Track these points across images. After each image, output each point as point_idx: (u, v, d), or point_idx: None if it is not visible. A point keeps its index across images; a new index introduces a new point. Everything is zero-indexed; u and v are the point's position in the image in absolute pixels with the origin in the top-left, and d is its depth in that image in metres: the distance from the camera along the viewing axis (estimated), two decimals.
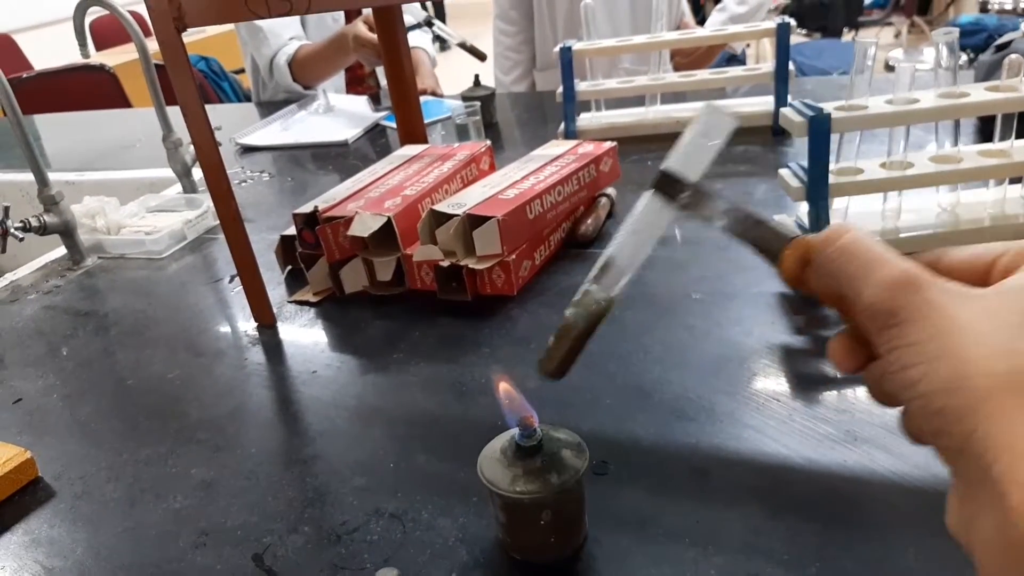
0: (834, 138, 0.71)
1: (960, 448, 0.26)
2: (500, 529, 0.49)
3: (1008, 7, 4.33)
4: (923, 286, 0.28)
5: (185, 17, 0.69)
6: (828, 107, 0.70)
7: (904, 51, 3.86)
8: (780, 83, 1.11)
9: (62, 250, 1.08)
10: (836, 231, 0.32)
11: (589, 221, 0.89)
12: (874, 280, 0.30)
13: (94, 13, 1.18)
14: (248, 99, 2.12)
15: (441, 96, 1.72)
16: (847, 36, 4.66)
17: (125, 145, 1.66)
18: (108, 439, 0.68)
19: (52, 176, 1.04)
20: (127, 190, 1.34)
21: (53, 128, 1.97)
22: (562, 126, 1.19)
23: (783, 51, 1.10)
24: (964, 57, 3.27)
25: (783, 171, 0.76)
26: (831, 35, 4.38)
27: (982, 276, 0.31)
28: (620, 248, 0.38)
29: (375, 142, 1.45)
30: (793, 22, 1.11)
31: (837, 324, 0.69)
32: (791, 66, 1.11)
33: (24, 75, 2.64)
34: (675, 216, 0.37)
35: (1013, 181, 0.77)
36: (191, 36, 2.42)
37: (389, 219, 0.79)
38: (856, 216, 0.77)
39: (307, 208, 0.84)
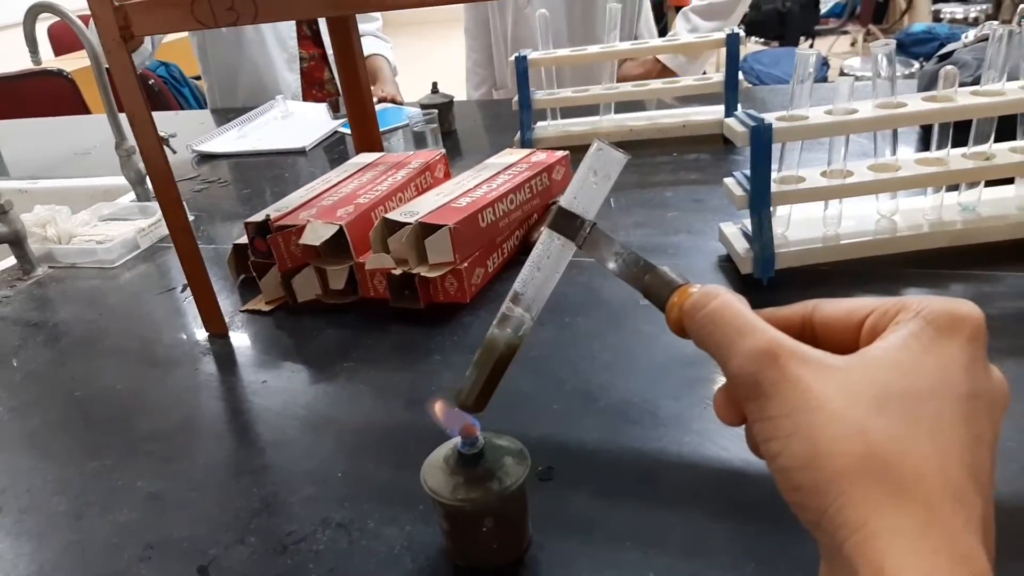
0: (777, 147, 0.73)
1: (816, 522, 0.27)
2: (444, 537, 0.49)
3: (959, 16, 4.44)
4: (783, 359, 0.28)
5: (132, 25, 0.69)
6: (769, 117, 0.72)
7: (860, 59, 3.94)
8: (730, 92, 1.13)
9: (12, 260, 1.06)
10: (704, 296, 0.32)
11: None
12: (738, 350, 0.30)
13: (50, 19, 1.17)
14: (207, 105, 2.10)
15: (401, 103, 1.72)
16: (804, 44, 4.74)
17: (81, 152, 1.64)
18: (55, 452, 0.68)
19: (5, 184, 1.03)
20: (81, 198, 1.32)
21: (8, 134, 1.93)
22: (518, 135, 1.20)
23: (732, 61, 1.12)
24: (915, 65, 3.35)
25: (728, 180, 0.77)
26: (789, 43, 4.46)
27: (853, 333, 0.31)
28: (524, 285, 0.40)
29: (333, 149, 1.44)
30: (743, 32, 1.13)
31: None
32: (741, 75, 1.14)
33: None
34: (572, 252, 0.38)
35: (950, 189, 0.79)
36: None
37: (341, 227, 0.79)
38: (798, 223, 0.79)
39: (259, 217, 0.83)
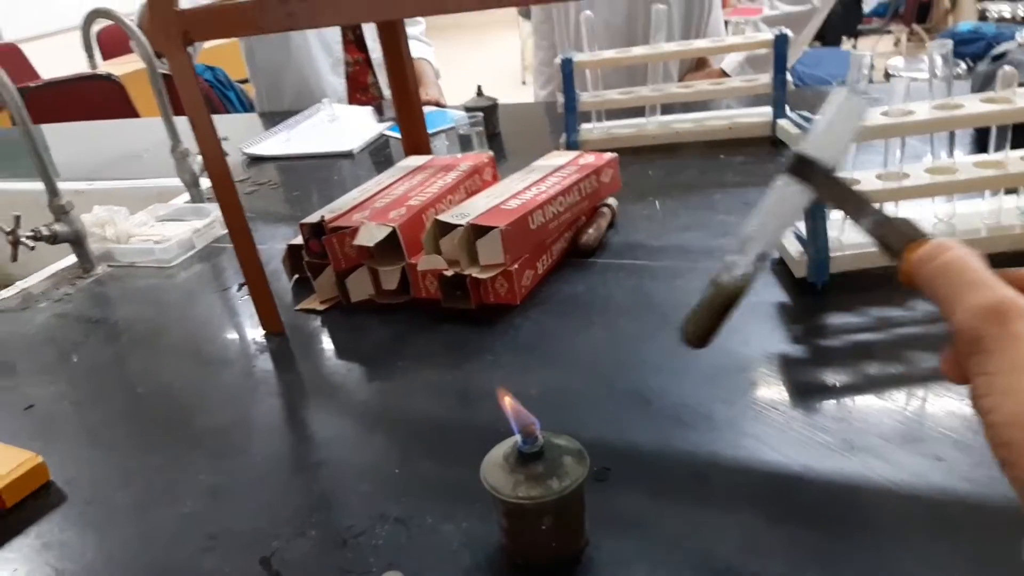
0: None
1: (1023, 480, 0.27)
2: (502, 534, 0.50)
3: (1007, 15, 4.35)
4: (1010, 317, 0.29)
5: (192, 32, 0.71)
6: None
7: (903, 59, 3.88)
8: (778, 94, 1.13)
9: (72, 258, 1.09)
10: (937, 248, 0.32)
11: (591, 231, 0.91)
12: (965, 305, 0.30)
13: (101, 23, 1.20)
14: (253, 109, 2.14)
15: (445, 107, 1.73)
16: (846, 44, 4.68)
17: (132, 155, 1.68)
18: (118, 445, 0.70)
19: (61, 185, 1.06)
20: (135, 199, 1.35)
21: (60, 137, 1.98)
22: (564, 137, 1.20)
23: (780, 62, 1.11)
24: (962, 65, 3.28)
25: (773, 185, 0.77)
26: (830, 44, 4.40)
27: None
28: (757, 228, 0.39)
29: (379, 152, 1.46)
30: (791, 33, 1.12)
31: (835, 334, 0.70)
32: (789, 77, 1.13)
33: (31, 84, 2.67)
34: (809, 200, 0.38)
35: (1009, 192, 0.78)
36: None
37: (394, 229, 0.81)
38: (853, 227, 0.78)
39: (314, 218, 0.85)
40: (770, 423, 0.59)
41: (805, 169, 0.37)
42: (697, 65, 1.68)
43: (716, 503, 0.53)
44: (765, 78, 1.16)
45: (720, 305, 0.40)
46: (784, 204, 0.39)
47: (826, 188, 0.37)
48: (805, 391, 0.63)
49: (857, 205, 0.36)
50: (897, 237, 0.34)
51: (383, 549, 0.53)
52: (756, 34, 1.22)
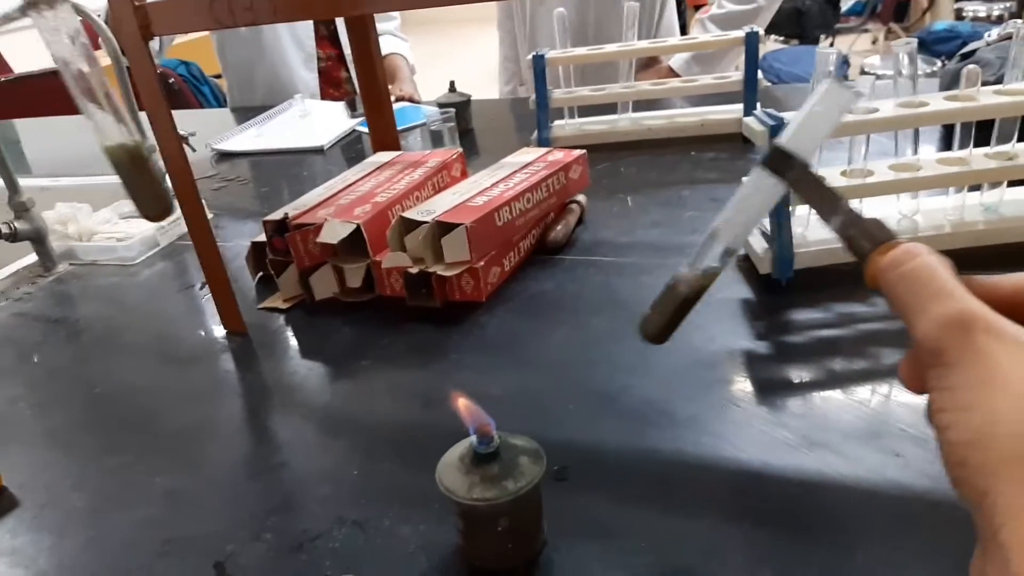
0: None
1: (976, 502, 0.26)
2: (459, 536, 0.49)
3: (982, 15, 4.39)
4: (975, 329, 0.27)
5: (152, 24, 0.69)
6: (788, 116, 0.71)
7: (880, 58, 3.90)
8: (749, 91, 1.13)
9: (33, 257, 1.07)
10: (905, 253, 0.31)
11: (559, 228, 0.90)
12: (929, 315, 0.29)
13: None
14: (227, 103, 2.12)
15: (419, 102, 1.72)
16: (824, 43, 4.70)
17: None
18: (75, 448, 0.68)
19: (26, 182, 1.04)
20: (102, 196, 1.33)
21: (32, 133, 1.95)
22: (535, 133, 1.20)
23: (752, 60, 1.11)
24: (938, 64, 3.31)
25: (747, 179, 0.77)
26: (808, 42, 4.42)
27: None
28: (726, 222, 0.38)
29: (351, 148, 1.45)
30: (762, 31, 1.12)
31: (799, 330, 0.70)
32: (760, 74, 1.13)
33: (2, 79, 2.62)
34: (781, 194, 0.37)
35: (972, 188, 0.78)
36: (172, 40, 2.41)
37: (358, 226, 0.80)
38: (818, 223, 0.78)
39: (277, 215, 0.84)
40: (732, 420, 0.59)
41: (782, 162, 0.36)
42: (647, 63, 1.69)
43: (677, 502, 0.53)
44: (737, 75, 1.16)
45: (682, 300, 0.39)
46: (756, 198, 0.38)
47: (801, 183, 0.36)
48: (768, 387, 0.63)
49: (830, 202, 0.35)
50: (866, 238, 0.33)
51: (340, 552, 0.52)
52: (725, 33, 1.21)
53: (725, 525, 0.50)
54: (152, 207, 0.42)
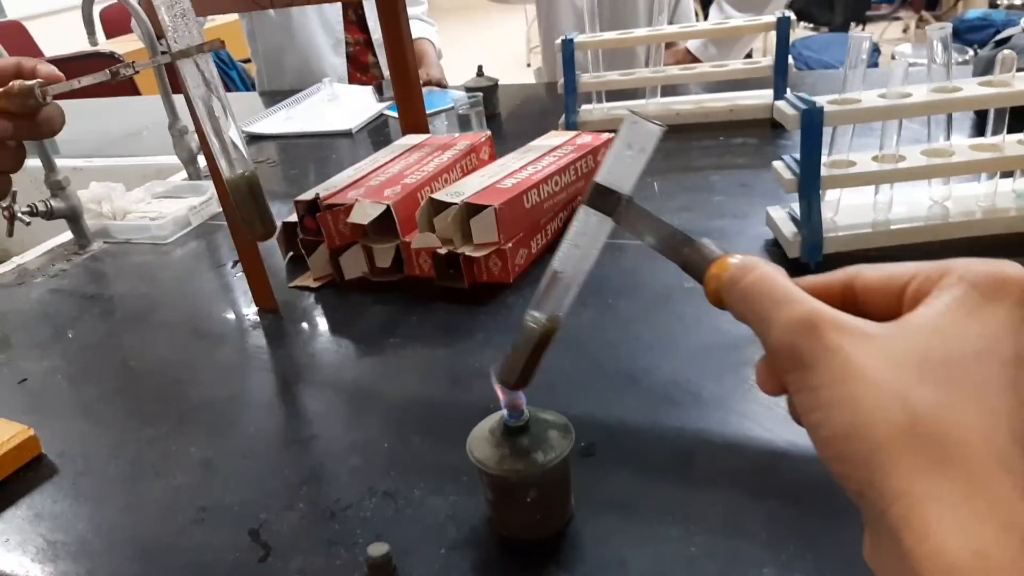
0: (827, 132, 0.72)
1: (860, 492, 0.27)
2: (488, 507, 0.50)
3: (1017, 2, 4.31)
4: (822, 328, 0.28)
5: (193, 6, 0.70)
6: (821, 100, 0.71)
7: (911, 46, 3.85)
8: (779, 77, 1.12)
9: (68, 235, 1.10)
10: (741, 269, 0.32)
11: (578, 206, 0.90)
12: (779, 321, 0.29)
13: (104, 2, 1.19)
14: (255, 88, 2.14)
15: (446, 87, 1.73)
16: (855, 30, 4.64)
17: (132, 132, 1.68)
18: (111, 419, 0.70)
19: (59, 162, 1.06)
20: (133, 177, 1.36)
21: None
22: (563, 118, 1.20)
23: (782, 45, 1.10)
24: (970, 52, 3.26)
25: (777, 163, 0.77)
26: (838, 29, 4.37)
27: (896, 300, 0.30)
28: (563, 263, 0.39)
29: (379, 132, 1.46)
30: (794, 16, 1.12)
31: None
32: (791, 60, 1.12)
33: None
34: (610, 229, 0.38)
35: (1004, 175, 0.78)
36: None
37: (388, 207, 0.81)
38: (848, 208, 0.78)
39: (308, 195, 0.85)
40: (757, 401, 0.59)
41: (602, 199, 0.37)
42: (665, 47, 1.69)
43: (702, 479, 0.53)
44: (767, 61, 1.15)
45: (538, 344, 0.40)
46: (586, 235, 0.39)
47: (626, 216, 0.37)
48: None
49: (658, 228, 0.36)
50: (699, 259, 0.34)
51: (371, 522, 0.53)
52: (760, 17, 1.21)
53: (751, 502, 0.50)
54: (260, 228, 0.47)
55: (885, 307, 0.30)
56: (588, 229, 0.39)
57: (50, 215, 1.04)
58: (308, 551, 0.51)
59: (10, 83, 0.52)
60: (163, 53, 0.50)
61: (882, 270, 0.31)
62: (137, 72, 0.54)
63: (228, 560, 0.52)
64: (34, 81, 0.52)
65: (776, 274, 0.31)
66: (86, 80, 0.53)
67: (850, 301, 0.31)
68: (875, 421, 0.26)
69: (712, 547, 0.47)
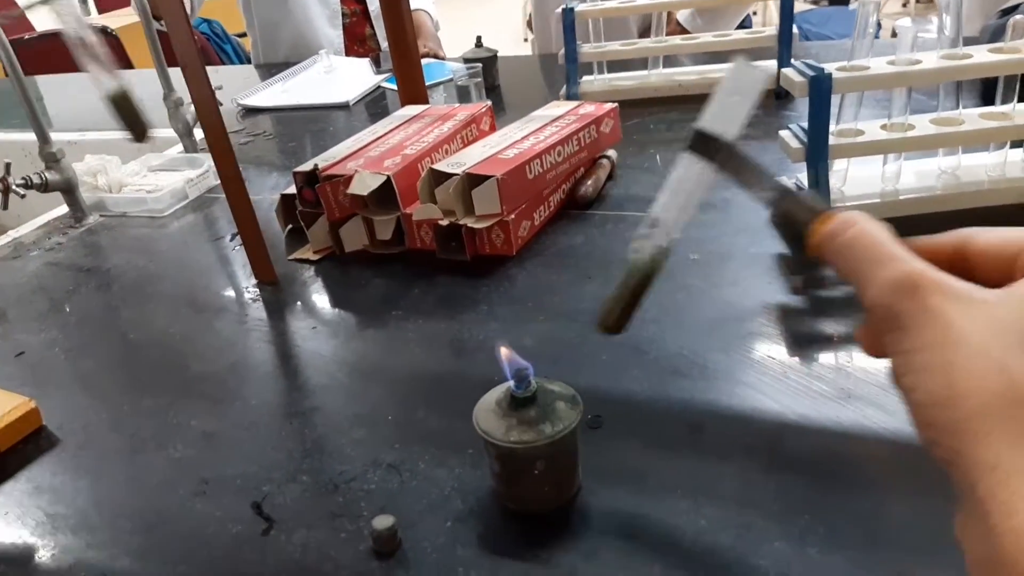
0: (834, 101, 0.71)
1: (950, 461, 0.26)
2: (495, 479, 0.50)
3: None
4: (925, 290, 0.27)
5: None
6: (830, 67, 0.70)
7: (911, 20, 3.82)
8: (783, 46, 1.10)
9: (64, 208, 1.08)
10: (843, 224, 0.31)
11: (589, 183, 0.89)
12: (877, 280, 0.28)
13: None
14: (250, 61, 2.11)
15: (443, 58, 1.71)
16: (854, 4, 4.59)
17: None
18: (110, 391, 0.69)
19: (54, 136, 1.04)
20: (129, 150, 1.33)
21: (56, 89, 1.96)
22: (564, 89, 1.18)
23: (787, 14, 1.09)
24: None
25: (783, 132, 0.75)
26: (838, 3, 4.33)
27: (1009, 265, 0.29)
28: (664, 208, 0.38)
29: (376, 104, 1.44)
30: None
31: (834, 284, 0.69)
32: (795, 30, 1.10)
33: (26, 36, 2.62)
34: (712, 176, 0.37)
35: (1015, 145, 0.77)
36: None
37: (388, 178, 0.79)
38: (856, 179, 0.77)
39: (307, 166, 0.84)
40: (767, 372, 0.59)
41: (705, 145, 0.36)
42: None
43: (712, 452, 0.53)
44: (770, 30, 1.14)
45: (638, 286, 0.39)
46: (688, 182, 0.38)
47: (728, 163, 0.36)
48: (804, 341, 0.62)
49: (761, 179, 0.35)
50: (803, 211, 0.33)
51: (375, 494, 0.52)
52: None
53: (762, 474, 0.50)
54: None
55: (998, 273, 0.29)
56: (689, 176, 0.37)
57: (45, 187, 1.02)
58: (312, 524, 0.51)
59: None
60: None
61: (997, 234, 0.30)
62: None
63: (230, 533, 0.51)
64: None
65: (879, 231, 0.30)
66: None
67: (960, 265, 0.30)
68: (970, 389, 0.25)
69: (723, 520, 0.47)
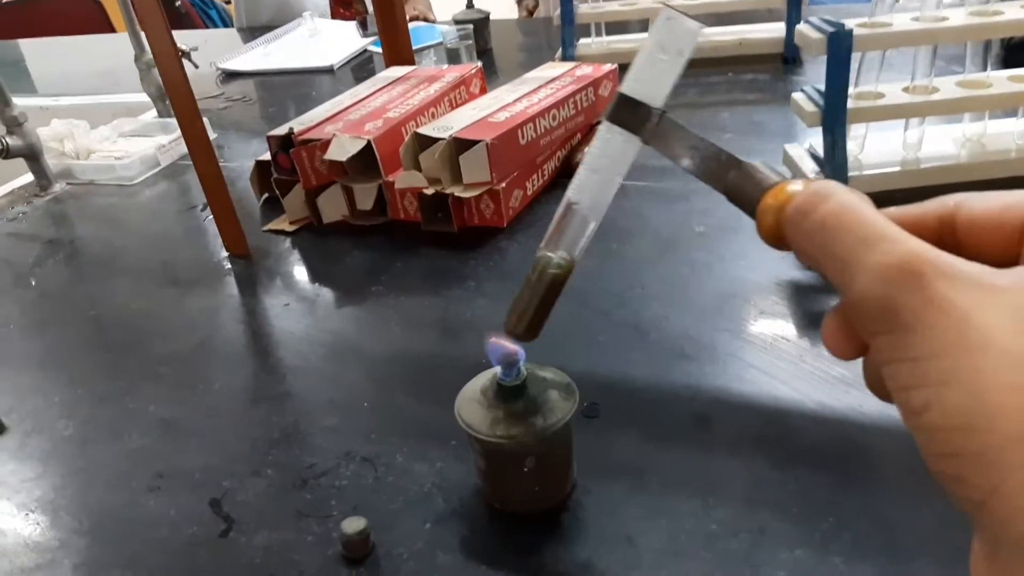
0: (854, 61, 0.65)
1: (981, 502, 0.19)
2: (480, 476, 0.44)
3: None
4: (928, 279, 0.21)
5: None
6: (850, 23, 0.64)
7: None
8: (793, 7, 1.04)
9: (29, 176, 1.02)
10: (813, 197, 0.24)
11: (586, 150, 0.83)
12: (867, 266, 0.22)
13: None
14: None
15: (433, 22, 1.64)
16: None
17: (106, 71, 1.58)
18: (65, 373, 0.64)
19: (25, 101, 0.98)
20: (104, 115, 1.27)
21: (37, 53, 1.89)
22: (560, 52, 1.12)
23: None
24: None
25: (797, 95, 0.70)
26: None
27: (1013, 237, 0.23)
28: (579, 192, 0.32)
29: (362, 68, 1.38)
30: None
31: None
32: None
33: (5, 0, 2.54)
34: (637, 150, 0.31)
35: None
36: None
37: (369, 142, 0.73)
38: (874, 146, 0.71)
39: (282, 130, 0.78)
40: (780, 355, 0.54)
41: (629, 113, 0.30)
42: None
43: (719, 443, 0.48)
44: None
45: (551, 287, 0.34)
46: (608, 158, 0.31)
47: (658, 134, 0.30)
48: (818, 321, 0.57)
49: (697, 150, 0.29)
50: (750, 186, 0.26)
51: (347, 491, 0.47)
52: None
53: (778, 471, 0.45)
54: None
55: (996, 248, 0.23)
56: (610, 150, 0.31)
57: (6, 153, 0.96)
58: (275, 524, 0.46)
59: None
60: None
61: (994, 199, 0.23)
62: None
63: (185, 534, 0.46)
64: None
65: (860, 204, 0.23)
66: None
67: (948, 240, 0.24)
68: (1007, 407, 0.19)
69: (735, 522, 0.42)
